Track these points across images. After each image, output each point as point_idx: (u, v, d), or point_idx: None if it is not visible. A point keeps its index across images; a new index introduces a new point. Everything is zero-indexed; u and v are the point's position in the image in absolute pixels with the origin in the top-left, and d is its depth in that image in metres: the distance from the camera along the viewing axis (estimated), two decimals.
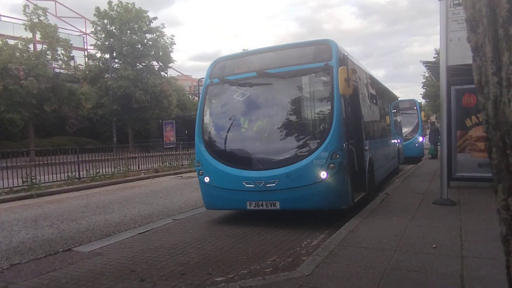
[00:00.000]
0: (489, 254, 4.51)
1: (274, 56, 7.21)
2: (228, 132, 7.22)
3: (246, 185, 6.37)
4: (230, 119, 7.32)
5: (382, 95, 12.49)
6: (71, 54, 28.21)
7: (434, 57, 34.11)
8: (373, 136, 9.50)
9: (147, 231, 6.77)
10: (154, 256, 5.21)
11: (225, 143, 7.17)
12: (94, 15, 30.98)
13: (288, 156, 6.48)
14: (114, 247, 5.85)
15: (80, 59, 36.27)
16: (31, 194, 11.30)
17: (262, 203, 6.34)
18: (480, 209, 7.04)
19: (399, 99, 17.56)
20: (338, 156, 6.08)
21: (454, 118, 9.42)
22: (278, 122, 6.95)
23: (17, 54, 24.28)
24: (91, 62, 32.71)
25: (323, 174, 6.07)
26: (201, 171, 6.96)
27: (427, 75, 38.81)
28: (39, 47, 27.55)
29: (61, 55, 26.76)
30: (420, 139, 18.69)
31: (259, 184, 6.28)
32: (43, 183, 12.58)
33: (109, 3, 30.87)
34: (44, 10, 25.93)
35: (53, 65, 28.13)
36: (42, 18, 25.60)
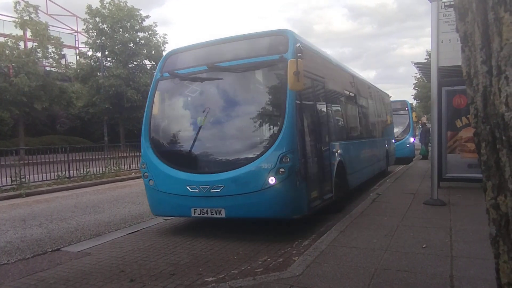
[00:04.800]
0: (478, 254, 4.55)
1: (228, 48, 6.62)
2: (175, 131, 6.75)
3: (191, 190, 5.80)
4: (178, 117, 6.87)
5: (364, 93, 11.70)
6: (62, 52, 27.95)
7: (425, 59, 34.42)
8: (346, 137, 8.84)
9: (138, 231, 6.72)
10: (144, 256, 5.17)
11: (171, 143, 6.66)
12: (86, 13, 30.72)
13: (235, 159, 5.92)
14: (103, 247, 5.80)
15: (71, 57, 35.97)
16: (20, 193, 11.18)
17: (207, 210, 5.78)
18: (470, 210, 7.11)
19: (391, 99, 16.82)
20: (288, 159, 5.45)
21: (445, 119, 9.49)
22: (226, 122, 6.38)
23: (7, 52, 23.99)
24: (82, 60, 32.44)
25: (272, 180, 5.44)
26: (146, 174, 6.40)
27: (418, 76, 39.19)
28: (29, 44, 27.25)
29: (52, 53, 26.48)
30: (411, 139, 18.83)
31: (204, 189, 5.72)
32: (32, 182, 12.47)
33: (101, 1, 30.64)
34: (35, 8, 25.69)
35: (44, 63, 27.80)
36: (33, 15, 25.35)
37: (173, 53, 7.05)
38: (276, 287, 3.76)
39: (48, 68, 28.68)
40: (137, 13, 31.57)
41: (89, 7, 30.50)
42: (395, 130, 17.20)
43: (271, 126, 5.95)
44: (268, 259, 4.85)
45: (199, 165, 6.20)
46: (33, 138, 28.36)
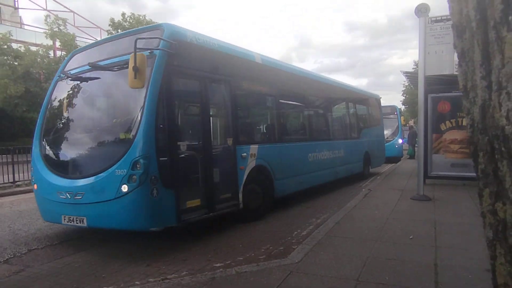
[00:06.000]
0: (460, 245, 4.52)
1: (113, 45, 5.67)
2: (55, 134, 5.82)
3: (60, 196, 5.01)
4: (61, 119, 5.89)
5: (321, 93, 9.84)
6: None
7: (413, 68, 34.16)
8: (276, 139, 7.42)
9: None
10: (159, 243, 5.16)
11: (50, 146, 5.75)
12: (109, 25, 30.81)
13: (95, 164, 4.97)
14: (121, 234, 5.79)
15: None
16: None
17: (73, 218, 4.93)
18: (453, 205, 7.07)
19: (371, 96, 13.80)
20: (140, 165, 4.48)
21: (430, 122, 9.48)
22: (94, 124, 5.50)
23: (38, 60, 24.17)
24: None
25: (124, 188, 4.51)
26: (32, 177, 5.72)
27: (406, 84, 38.99)
28: (58, 53, 27.41)
29: None
30: (400, 141, 18.75)
31: (69, 196, 4.92)
32: None
33: (123, 14, 30.75)
34: (64, 20, 25.86)
35: None
36: (61, 27, 25.51)
37: (74, 53, 6.28)
38: (277, 273, 3.75)
39: None
40: None
41: (111, 20, 30.61)
42: (385, 132, 16.84)
43: (131, 129, 4.81)
44: (270, 247, 4.84)
45: (66, 170, 5.32)
46: None
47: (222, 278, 3.70)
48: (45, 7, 38.71)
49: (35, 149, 5.71)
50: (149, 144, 4.58)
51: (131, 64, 4.46)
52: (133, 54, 4.46)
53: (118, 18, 30.93)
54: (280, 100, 7.80)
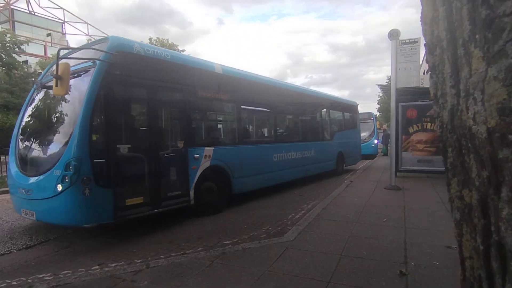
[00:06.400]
0: (424, 226, 4.51)
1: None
2: (23, 135, 5.30)
3: (19, 192, 4.68)
4: (29, 123, 5.39)
5: (287, 101, 8.53)
6: None
7: (386, 81, 34.04)
8: (236, 142, 6.61)
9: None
10: (177, 225, 5.17)
11: (18, 146, 5.22)
12: None
13: (42, 165, 4.53)
14: (150, 219, 5.78)
15: None
16: None
17: (27, 212, 4.57)
18: (418, 193, 7.04)
19: (346, 103, 12.45)
20: (71, 167, 4.01)
21: (400, 126, 9.45)
22: (47, 128, 4.96)
23: None
24: None
25: (59, 187, 4.09)
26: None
27: (381, 94, 38.86)
28: None
29: None
30: (375, 141, 18.76)
31: (24, 192, 4.57)
32: None
33: (150, 39, 30.95)
34: None
35: None
36: None
37: (53, 64, 5.89)
38: (276, 249, 3.76)
39: None
40: (176, 48, 31.73)
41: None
42: (363, 134, 16.65)
43: (69, 133, 4.26)
44: (270, 228, 4.83)
45: (25, 168, 4.87)
46: None
47: (231, 252, 3.70)
48: (86, 33, 38.88)
49: (12, 148, 5.24)
50: (81, 147, 4.05)
51: (55, 73, 3.96)
52: (57, 63, 3.94)
53: (146, 41, 31.03)
54: (242, 106, 6.81)
